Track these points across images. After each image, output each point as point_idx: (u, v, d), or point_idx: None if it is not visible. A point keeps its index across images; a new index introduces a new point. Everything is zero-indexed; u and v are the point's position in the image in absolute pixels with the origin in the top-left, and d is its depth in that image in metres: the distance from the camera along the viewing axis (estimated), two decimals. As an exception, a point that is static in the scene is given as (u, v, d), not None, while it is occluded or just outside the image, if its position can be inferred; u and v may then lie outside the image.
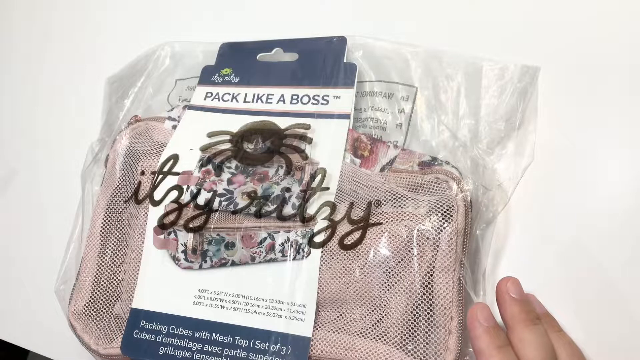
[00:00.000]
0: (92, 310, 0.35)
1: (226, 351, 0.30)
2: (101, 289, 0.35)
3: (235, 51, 0.40)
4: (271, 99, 0.37)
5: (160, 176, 0.35)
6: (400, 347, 0.29)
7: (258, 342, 0.30)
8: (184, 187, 0.34)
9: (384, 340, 0.29)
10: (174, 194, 0.34)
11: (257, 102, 0.37)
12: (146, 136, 0.38)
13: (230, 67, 0.39)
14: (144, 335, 0.32)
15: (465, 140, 0.33)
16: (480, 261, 0.31)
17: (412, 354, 0.28)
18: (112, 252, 0.36)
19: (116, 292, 0.36)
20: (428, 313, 0.29)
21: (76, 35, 0.51)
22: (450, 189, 0.30)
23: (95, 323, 0.35)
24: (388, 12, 0.40)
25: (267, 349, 0.30)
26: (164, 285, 0.33)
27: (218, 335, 0.31)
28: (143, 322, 0.32)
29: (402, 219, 0.30)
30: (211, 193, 0.34)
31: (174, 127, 0.38)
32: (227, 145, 0.35)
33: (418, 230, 0.29)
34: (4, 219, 0.46)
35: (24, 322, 0.42)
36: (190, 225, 0.33)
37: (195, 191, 0.34)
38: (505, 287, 0.28)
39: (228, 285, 0.32)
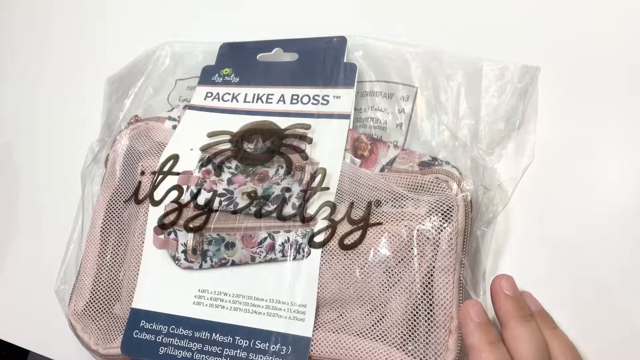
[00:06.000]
0: (92, 310, 0.35)
1: (226, 351, 0.30)
2: (101, 289, 0.35)
3: (235, 51, 0.40)
4: (271, 99, 0.37)
5: (160, 176, 0.35)
6: (400, 347, 0.29)
7: (258, 342, 0.30)
8: (184, 187, 0.34)
9: (384, 340, 0.29)
10: (174, 194, 0.34)
11: (257, 102, 0.37)
12: (146, 136, 0.38)
13: (230, 67, 0.39)
14: (144, 335, 0.32)
15: (465, 140, 0.33)
16: (480, 261, 0.31)
17: (412, 354, 0.28)
18: (112, 252, 0.36)
19: (116, 292, 0.36)
20: (428, 313, 0.29)
21: (76, 35, 0.51)
22: (450, 189, 0.30)
23: (95, 323, 0.35)
24: (388, 12, 0.40)
25: (267, 349, 0.30)
26: (164, 285, 0.33)
27: (218, 335, 0.31)
28: (143, 322, 0.32)
29: (402, 219, 0.30)
30: (211, 193, 0.34)
31: (174, 127, 0.38)
32: (227, 145, 0.35)
33: (418, 230, 0.29)
34: (4, 218, 0.46)
35: (24, 322, 0.42)
36: (190, 225, 0.33)
37: (195, 191, 0.34)
38: (500, 285, 0.28)
39: (228, 285, 0.32)
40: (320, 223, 0.31)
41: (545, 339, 0.27)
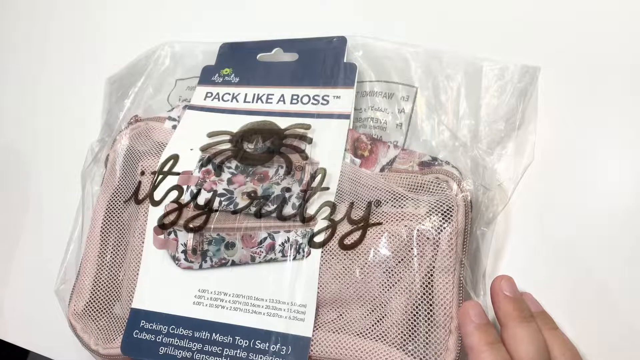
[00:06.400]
0: (92, 310, 0.35)
1: (226, 351, 0.30)
2: (101, 289, 0.35)
3: (235, 51, 0.40)
4: (271, 99, 0.37)
5: (160, 176, 0.35)
6: (400, 347, 0.29)
7: (258, 342, 0.30)
8: (184, 187, 0.34)
9: (384, 340, 0.29)
10: (174, 194, 0.34)
11: (257, 102, 0.37)
12: (146, 136, 0.38)
13: (230, 67, 0.39)
14: (144, 335, 0.32)
15: (465, 140, 0.33)
16: (480, 261, 0.31)
17: (412, 354, 0.28)
18: (112, 252, 0.36)
19: (116, 292, 0.36)
20: (428, 313, 0.29)
21: (76, 35, 0.51)
22: (450, 189, 0.30)
23: (95, 323, 0.35)
24: (388, 12, 0.40)
25: (267, 349, 0.30)
26: (164, 285, 0.33)
27: (218, 335, 0.31)
28: (143, 322, 0.32)
29: (402, 219, 0.30)
30: (211, 193, 0.34)
31: (174, 127, 0.38)
32: (227, 145, 0.35)
33: (418, 230, 0.29)
34: (4, 218, 0.46)
35: (24, 322, 0.42)
36: (190, 225, 0.33)
37: (195, 191, 0.34)
38: (500, 285, 0.28)
39: (228, 285, 0.32)
40: (320, 223, 0.31)
41: (546, 339, 0.27)
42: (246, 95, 0.38)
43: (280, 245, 0.32)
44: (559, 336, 0.28)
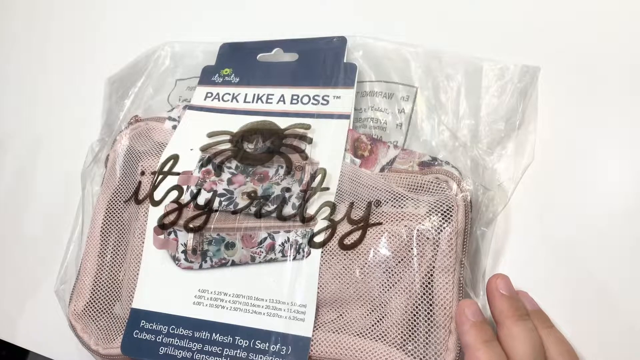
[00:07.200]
0: (92, 310, 0.35)
1: (226, 351, 0.30)
2: (101, 289, 0.35)
3: (235, 51, 0.40)
4: (271, 99, 0.37)
5: (161, 176, 0.35)
6: (400, 347, 0.29)
7: (258, 342, 0.30)
8: (184, 187, 0.34)
9: (384, 340, 0.29)
10: (174, 194, 0.34)
11: (257, 102, 0.37)
12: (146, 136, 0.38)
13: (230, 67, 0.39)
14: (144, 336, 0.32)
15: (465, 140, 0.33)
16: (480, 261, 0.31)
17: (412, 354, 0.28)
18: (112, 252, 0.36)
19: (116, 292, 0.36)
20: (428, 313, 0.29)
21: (76, 35, 0.51)
22: (450, 189, 0.30)
23: (95, 323, 0.35)
24: (388, 12, 0.40)
25: (267, 349, 0.30)
26: (164, 285, 0.33)
27: (218, 335, 0.31)
28: (143, 322, 0.32)
29: (402, 219, 0.30)
30: (211, 193, 0.34)
31: (174, 127, 0.38)
32: (227, 145, 0.35)
33: (418, 230, 0.29)
34: (4, 218, 0.46)
35: (24, 322, 0.42)
36: (191, 225, 0.33)
37: (195, 191, 0.34)
38: (495, 284, 0.28)
39: (228, 285, 0.32)
40: (320, 223, 0.31)
41: (542, 338, 0.27)
42: (246, 95, 0.38)
43: (280, 245, 0.32)
44: (555, 334, 0.28)
